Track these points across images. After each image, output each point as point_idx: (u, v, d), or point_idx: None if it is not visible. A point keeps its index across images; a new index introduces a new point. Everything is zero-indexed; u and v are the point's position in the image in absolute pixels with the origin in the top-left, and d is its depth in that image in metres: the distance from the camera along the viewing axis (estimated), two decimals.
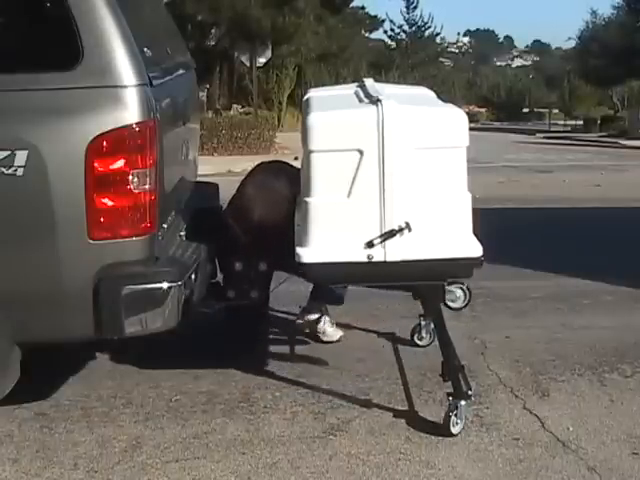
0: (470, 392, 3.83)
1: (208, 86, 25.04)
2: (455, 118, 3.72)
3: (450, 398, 3.81)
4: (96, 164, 3.53)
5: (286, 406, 4.17)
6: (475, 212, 3.76)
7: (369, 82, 4.22)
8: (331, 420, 4.01)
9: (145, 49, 3.78)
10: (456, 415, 3.77)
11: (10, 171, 3.51)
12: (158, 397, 4.28)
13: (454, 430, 3.77)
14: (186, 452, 3.70)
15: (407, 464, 3.59)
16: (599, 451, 3.70)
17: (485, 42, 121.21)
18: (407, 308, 4.85)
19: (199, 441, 3.80)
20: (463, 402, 3.78)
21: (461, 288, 3.82)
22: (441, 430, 3.81)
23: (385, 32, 51.18)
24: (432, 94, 4.41)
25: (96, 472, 3.53)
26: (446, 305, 3.85)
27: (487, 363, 4.71)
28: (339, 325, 5.16)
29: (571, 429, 3.91)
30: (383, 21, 44.70)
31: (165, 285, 3.66)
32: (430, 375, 4.39)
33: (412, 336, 4.90)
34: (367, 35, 42.47)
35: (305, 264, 3.69)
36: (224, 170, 14.87)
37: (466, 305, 3.93)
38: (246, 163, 16.31)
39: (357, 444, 3.76)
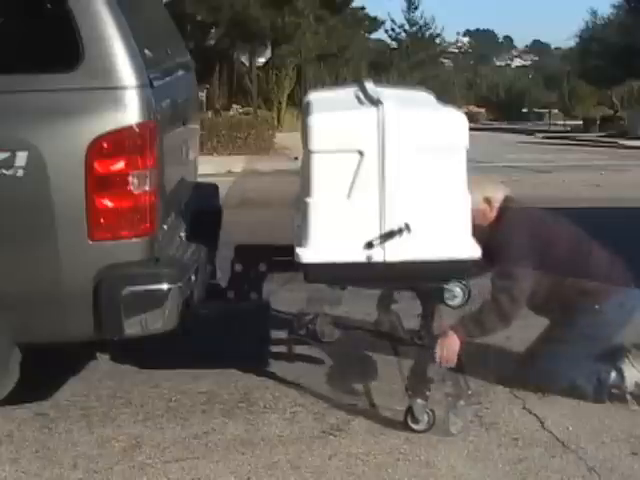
0: (428, 393, 3.85)
1: (208, 86, 25.01)
2: (455, 120, 3.73)
3: (409, 393, 3.87)
4: (96, 165, 3.54)
5: (286, 406, 4.18)
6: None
7: (369, 84, 4.22)
8: (331, 420, 4.02)
9: (145, 50, 3.78)
10: (413, 412, 3.83)
11: (10, 172, 3.52)
12: (158, 397, 4.28)
13: (416, 427, 3.82)
14: (186, 452, 3.70)
15: (407, 464, 3.60)
16: (599, 451, 3.71)
17: (485, 42, 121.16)
18: (407, 308, 4.85)
19: (199, 441, 3.81)
20: (420, 400, 3.82)
21: (460, 286, 3.83)
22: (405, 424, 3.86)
23: (386, 31, 51.19)
24: (432, 97, 4.41)
25: (96, 472, 3.53)
26: (445, 303, 3.85)
27: (487, 363, 4.71)
28: (338, 325, 5.17)
29: (571, 429, 3.92)
30: (383, 22, 44.62)
31: (165, 286, 3.66)
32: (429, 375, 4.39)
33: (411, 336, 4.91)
34: (367, 35, 42.41)
35: (304, 264, 3.70)
36: (224, 170, 14.88)
37: (465, 303, 3.93)
38: (246, 163, 16.45)
39: (357, 444, 3.77)
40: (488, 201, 4.39)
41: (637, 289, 4.41)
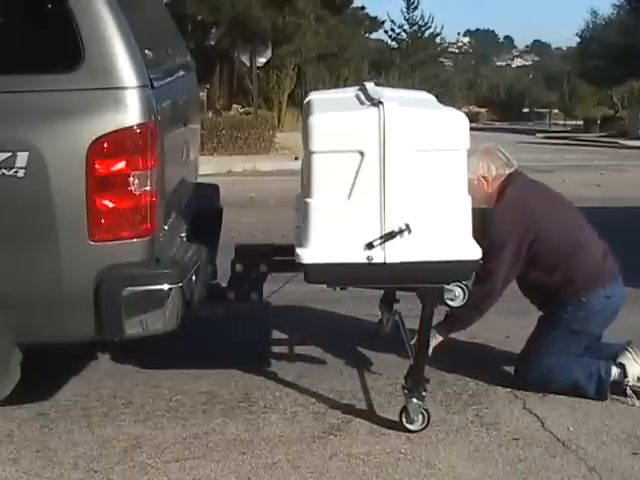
0: (424, 393, 3.88)
1: (208, 86, 24.99)
2: (456, 121, 3.73)
3: (405, 392, 3.89)
4: (97, 165, 3.54)
5: (286, 406, 4.18)
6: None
7: (370, 85, 4.24)
8: (331, 420, 4.02)
9: (146, 50, 3.79)
10: (408, 412, 3.85)
11: (11, 172, 3.52)
12: (158, 397, 4.29)
13: (411, 427, 3.86)
14: (186, 452, 3.71)
15: (407, 464, 3.60)
16: (599, 451, 3.72)
17: (485, 42, 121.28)
18: (408, 308, 4.86)
19: (199, 441, 3.81)
20: (415, 400, 3.84)
21: (460, 287, 3.84)
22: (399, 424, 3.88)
23: (386, 32, 51.10)
24: (432, 97, 4.42)
25: (96, 472, 3.54)
26: (445, 304, 3.86)
27: (487, 363, 4.72)
28: (339, 325, 5.17)
29: (571, 429, 3.92)
30: (383, 22, 44.50)
31: (166, 286, 3.66)
32: (430, 375, 4.40)
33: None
34: (367, 35, 42.35)
35: (305, 265, 3.70)
36: (224, 170, 14.88)
37: (465, 304, 3.94)
38: (246, 163, 16.46)
39: (357, 444, 3.77)
40: (484, 178, 4.45)
41: (620, 281, 4.44)
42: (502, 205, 4.38)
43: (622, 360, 4.28)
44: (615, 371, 4.27)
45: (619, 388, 4.26)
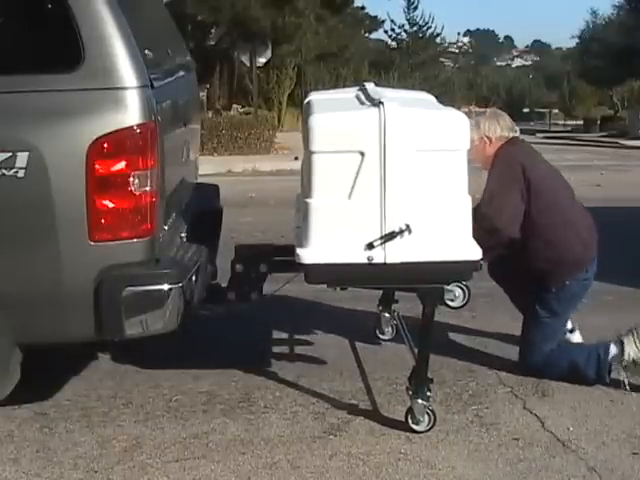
0: (429, 394, 3.87)
1: (208, 86, 24.99)
2: (456, 121, 3.73)
3: (410, 393, 3.89)
4: (97, 166, 3.54)
5: (286, 406, 4.19)
6: None
7: (370, 85, 4.24)
8: (331, 420, 4.02)
9: (146, 50, 3.79)
10: (414, 413, 3.85)
11: (11, 172, 3.52)
12: (158, 397, 4.29)
13: (417, 427, 3.86)
14: (186, 452, 3.71)
15: (407, 464, 3.60)
16: (599, 451, 3.72)
17: (485, 42, 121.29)
18: (407, 308, 4.86)
19: (199, 441, 3.81)
20: (420, 401, 3.84)
21: (460, 287, 3.85)
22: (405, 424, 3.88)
23: (386, 32, 51.09)
24: (432, 98, 4.43)
25: (96, 472, 3.54)
26: (445, 304, 3.87)
27: (487, 363, 4.72)
28: (339, 325, 5.17)
29: (571, 429, 3.92)
30: (383, 21, 44.47)
31: (166, 287, 3.66)
32: (430, 375, 4.39)
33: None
34: (367, 35, 42.35)
35: (305, 265, 3.70)
36: (224, 170, 14.88)
37: (465, 304, 3.95)
38: (246, 163, 16.46)
39: (357, 444, 3.77)
40: (487, 138, 4.53)
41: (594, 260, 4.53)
42: (500, 158, 4.46)
43: (623, 338, 4.34)
44: (613, 349, 4.32)
45: (617, 383, 4.29)
